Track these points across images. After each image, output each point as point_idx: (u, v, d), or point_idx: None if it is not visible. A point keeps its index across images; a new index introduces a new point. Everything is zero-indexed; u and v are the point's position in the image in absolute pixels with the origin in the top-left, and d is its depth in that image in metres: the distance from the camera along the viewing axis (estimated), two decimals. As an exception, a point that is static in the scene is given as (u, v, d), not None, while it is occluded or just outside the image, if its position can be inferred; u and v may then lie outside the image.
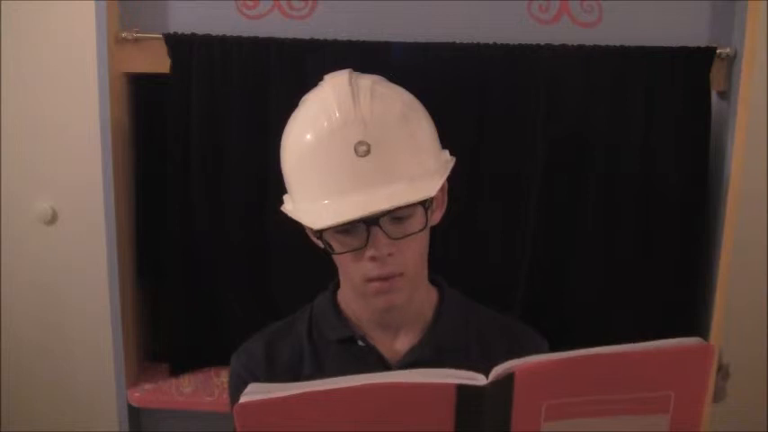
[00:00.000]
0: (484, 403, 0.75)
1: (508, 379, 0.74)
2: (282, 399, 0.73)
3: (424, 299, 1.11)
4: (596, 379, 0.75)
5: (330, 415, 0.75)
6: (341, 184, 0.96)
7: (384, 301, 1.01)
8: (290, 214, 1.03)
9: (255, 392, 0.74)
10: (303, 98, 1.06)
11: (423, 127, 1.03)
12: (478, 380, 0.75)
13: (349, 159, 0.96)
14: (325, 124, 0.98)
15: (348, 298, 1.10)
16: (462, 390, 0.74)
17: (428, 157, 1.01)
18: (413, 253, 1.00)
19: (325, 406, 0.74)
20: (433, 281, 1.13)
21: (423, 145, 1.01)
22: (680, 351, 0.75)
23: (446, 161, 1.06)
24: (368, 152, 0.96)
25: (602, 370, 0.75)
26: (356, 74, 1.04)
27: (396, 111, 1.00)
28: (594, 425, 0.77)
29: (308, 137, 0.99)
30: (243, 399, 0.74)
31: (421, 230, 0.99)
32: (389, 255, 0.97)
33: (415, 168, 0.98)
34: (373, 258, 0.97)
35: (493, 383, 0.74)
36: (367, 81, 1.02)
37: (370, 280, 0.99)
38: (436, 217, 1.06)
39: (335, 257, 1.03)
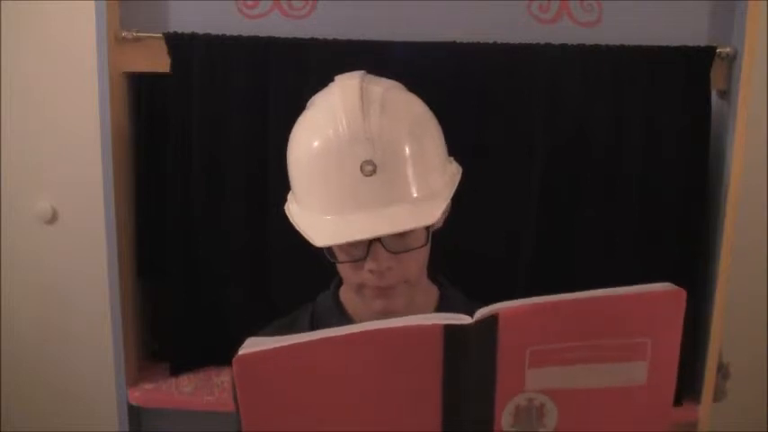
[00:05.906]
0: (470, 343, 0.77)
1: (492, 319, 0.78)
2: (278, 349, 0.76)
3: (424, 298, 1.11)
4: (576, 322, 0.79)
5: (324, 363, 0.78)
6: (344, 203, 0.95)
7: (382, 305, 1.01)
8: (292, 221, 1.02)
9: (253, 346, 0.77)
10: (311, 100, 1.04)
11: (432, 144, 1.01)
12: (464, 320, 0.78)
13: (354, 178, 0.94)
14: (333, 137, 0.95)
15: (349, 296, 1.11)
16: (449, 329, 0.77)
17: (434, 175, 0.99)
18: (413, 264, 1.00)
19: (319, 355, 0.78)
20: (433, 279, 1.13)
21: (430, 163, 0.99)
22: (654, 296, 0.78)
23: (452, 174, 1.04)
24: (374, 172, 0.93)
25: (582, 313, 0.79)
26: (368, 79, 1.01)
27: (405, 129, 0.97)
28: (576, 373, 0.80)
29: (315, 147, 0.97)
30: (241, 352, 0.77)
31: (422, 246, 0.99)
32: (389, 268, 0.97)
33: (421, 189, 0.96)
34: (372, 271, 0.97)
35: (478, 322, 0.77)
36: (378, 90, 0.99)
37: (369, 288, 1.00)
38: (438, 222, 1.04)
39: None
